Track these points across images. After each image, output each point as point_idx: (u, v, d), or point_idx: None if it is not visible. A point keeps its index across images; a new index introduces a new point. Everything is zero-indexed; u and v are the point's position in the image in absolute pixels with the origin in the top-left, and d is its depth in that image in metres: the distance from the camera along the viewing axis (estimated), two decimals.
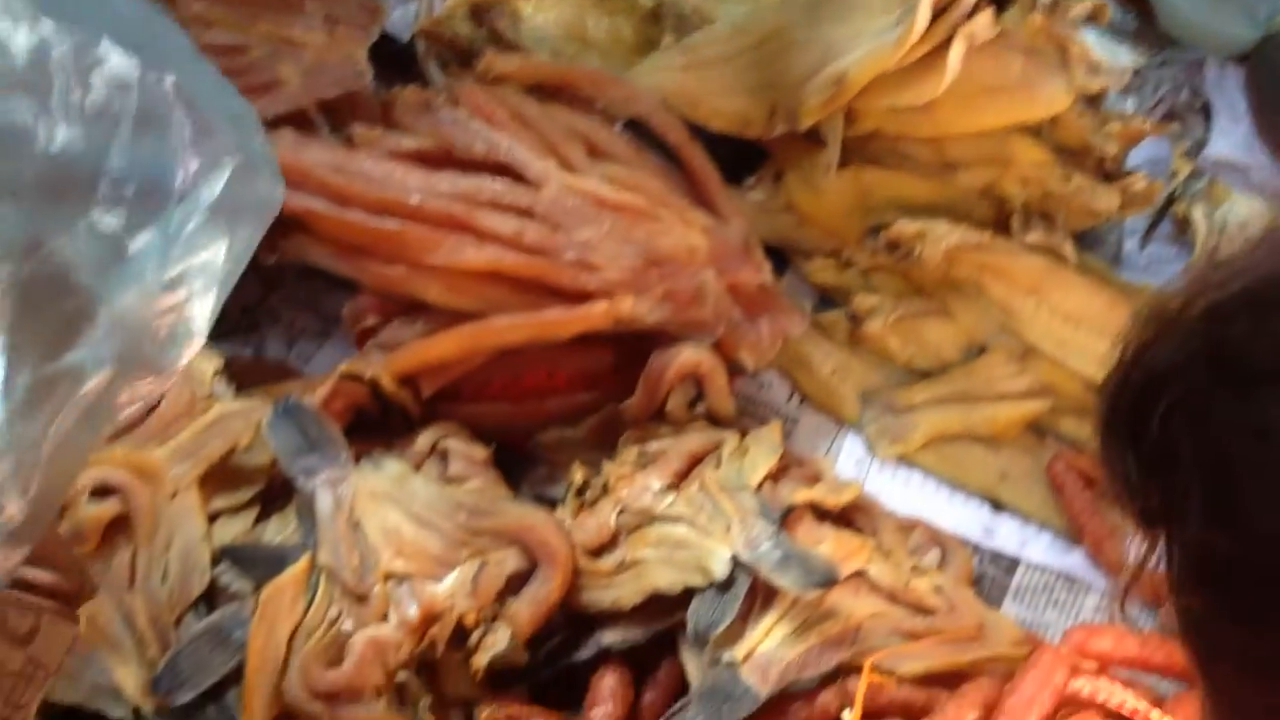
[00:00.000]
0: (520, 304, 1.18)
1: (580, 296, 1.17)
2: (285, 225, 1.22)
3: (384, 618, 1.05)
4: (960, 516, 1.21)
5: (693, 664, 1.00)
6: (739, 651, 0.97)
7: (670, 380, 1.17)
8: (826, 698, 0.94)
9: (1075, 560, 1.17)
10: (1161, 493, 0.55)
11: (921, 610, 1.02)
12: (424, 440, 1.18)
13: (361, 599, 1.05)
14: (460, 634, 1.04)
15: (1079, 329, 1.19)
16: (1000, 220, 1.28)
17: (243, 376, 1.25)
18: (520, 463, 1.22)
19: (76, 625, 0.75)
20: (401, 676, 1.04)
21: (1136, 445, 0.56)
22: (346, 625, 1.04)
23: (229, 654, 1.03)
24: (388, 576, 1.06)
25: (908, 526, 1.16)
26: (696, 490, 1.09)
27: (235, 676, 1.02)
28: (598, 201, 1.18)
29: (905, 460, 1.25)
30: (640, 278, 1.17)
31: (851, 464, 1.25)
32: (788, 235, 1.34)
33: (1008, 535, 1.19)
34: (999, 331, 1.24)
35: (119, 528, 1.09)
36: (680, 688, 1.02)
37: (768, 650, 0.97)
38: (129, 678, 1.03)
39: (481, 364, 1.20)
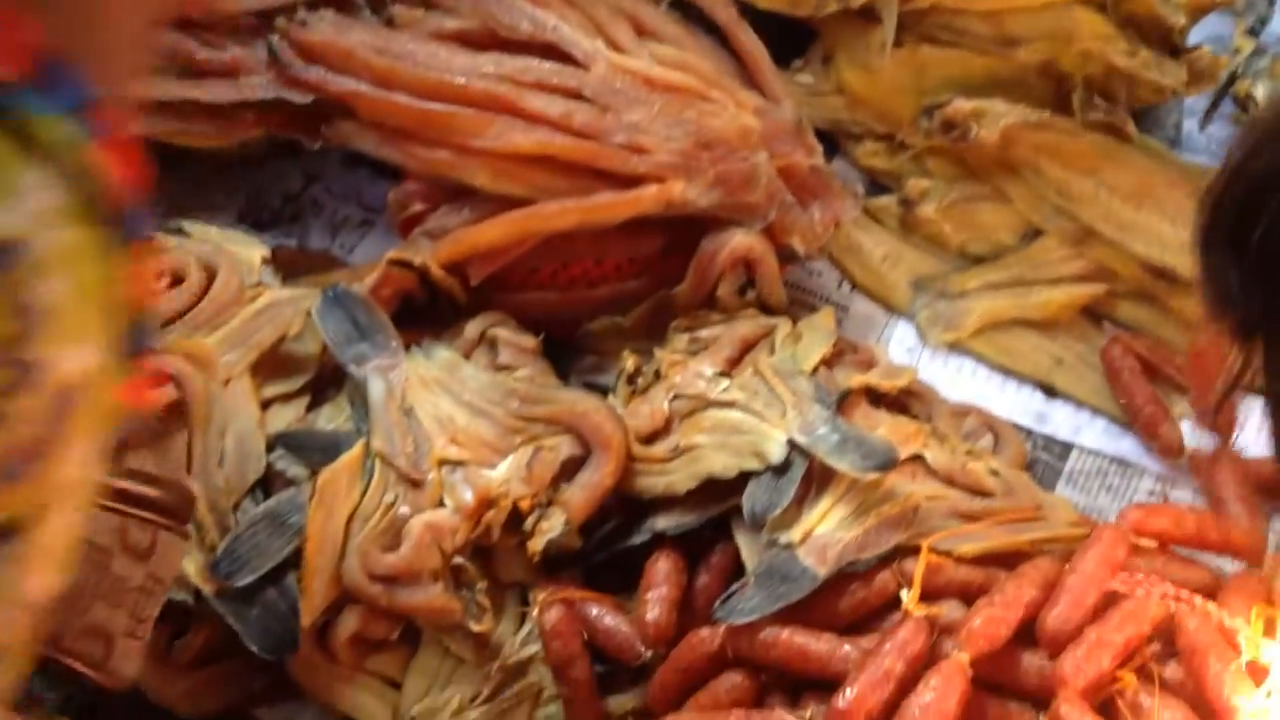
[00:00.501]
0: (569, 189, 1.15)
1: (630, 180, 1.15)
2: (328, 110, 1.21)
3: (440, 503, 1.05)
4: (1013, 403, 1.20)
5: (748, 547, 1.01)
6: (795, 534, 0.97)
7: (721, 266, 1.16)
8: (884, 578, 0.94)
9: (1128, 445, 1.16)
10: (1264, 300, 0.54)
11: (978, 492, 1.01)
12: (472, 328, 1.17)
13: (417, 484, 1.06)
14: (515, 519, 1.04)
15: (1139, 210, 1.17)
16: (1059, 98, 1.24)
17: (287, 267, 1.24)
18: (568, 352, 1.22)
19: (188, 538, 0.75)
20: (457, 561, 1.05)
21: (1239, 255, 0.56)
22: (403, 510, 1.05)
23: (286, 538, 1.04)
24: (442, 462, 1.06)
25: (961, 413, 1.15)
26: (750, 375, 1.08)
27: (293, 560, 1.03)
28: (647, 82, 1.15)
29: (957, 347, 1.23)
30: (691, 160, 1.14)
31: (903, 352, 1.24)
32: (837, 118, 1.31)
33: (1061, 421, 1.18)
34: (1055, 214, 1.21)
35: (174, 414, 1.09)
36: (734, 572, 1.02)
37: (825, 532, 0.97)
38: (189, 562, 1.04)
39: (529, 251, 1.18)
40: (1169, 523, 0.95)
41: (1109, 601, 0.88)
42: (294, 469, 1.09)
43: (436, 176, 1.19)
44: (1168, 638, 0.87)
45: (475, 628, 1.03)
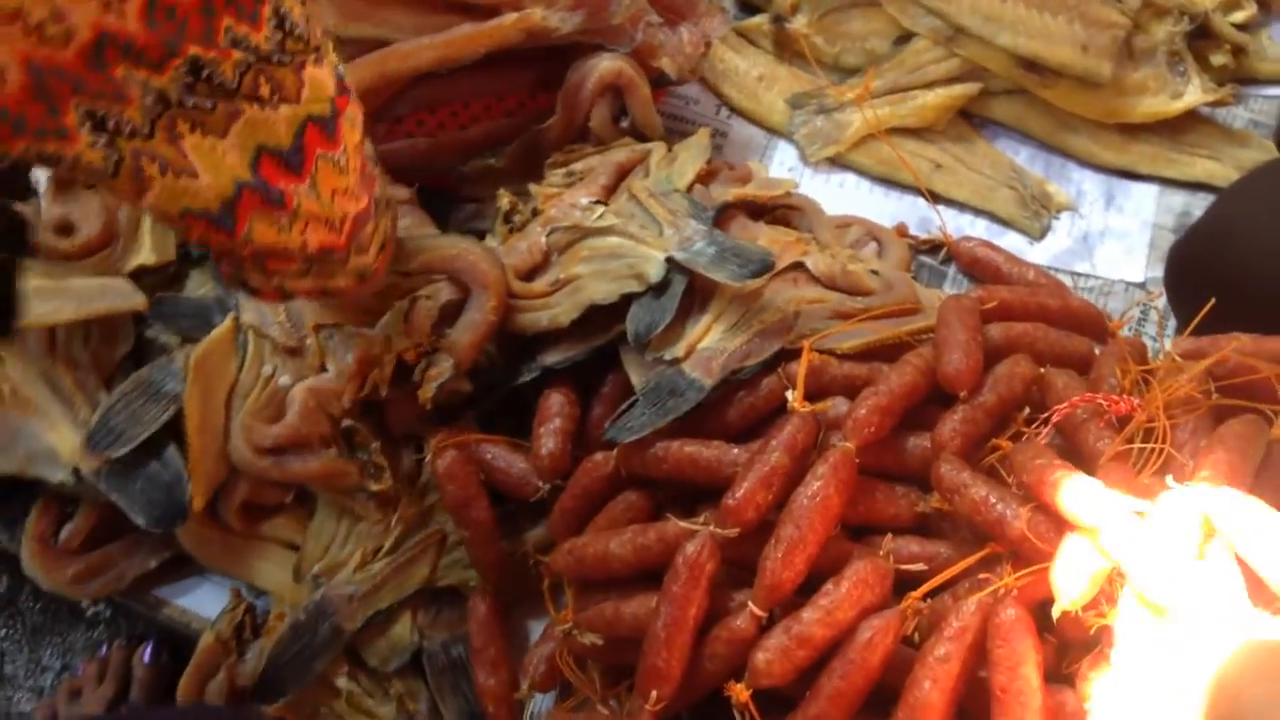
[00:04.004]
0: (425, 25, 1.11)
1: (487, 11, 1.10)
2: None
3: (322, 368, 1.03)
4: (896, 211, 1.19)
5: (635, 369, 0.99)
6: (680, 349, 0.96)
7: (590, 94, 1.12)
8: (770, 382, 0.93)
9: (1011, 241, 1.17)
10: None
11: (859, 292, 1.01)
12: None
13: (295, 352, 1.03)
14: (403, 372, 1.02)
15: (1006, 2, 1.15)
16: None
17: None
18: (446, 201, 1.18)
19: None
20: (347, 423, 1.02)
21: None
22: (283, 380, 1.02)
23: (161, 405, 1.00)
24: (318, 328, 1.03)
25: (844, 224, 1.14)
26: (626, 200, 1.06)
27: (172, 430, 1.00)
28: None
29: (838, 162, 1.22)
30: None
31: (784, 171, 1.23)
32: None
33: (944, 224, 1.17)
34: (924, 15, 1.19)
35: None
36: (627, 395, 1.01)
37: (710, 345, 0.96)
38: (62, 441, 1.01)
39: (392, 99, 1.13)
40: (1008, 293, 0.95)
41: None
42: (165, 337, 1.06)
43: None
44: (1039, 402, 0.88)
45: (374, 487, 1.01)
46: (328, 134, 0.71)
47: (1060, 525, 0.75)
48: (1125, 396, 0.82)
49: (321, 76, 0.69)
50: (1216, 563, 0.67)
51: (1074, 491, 0.72)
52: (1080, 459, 0.82)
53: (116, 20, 0.56)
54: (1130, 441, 0.79)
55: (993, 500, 0.79)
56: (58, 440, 1.01)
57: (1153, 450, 0.78)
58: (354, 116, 0.75)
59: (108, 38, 0.56)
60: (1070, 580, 0.71)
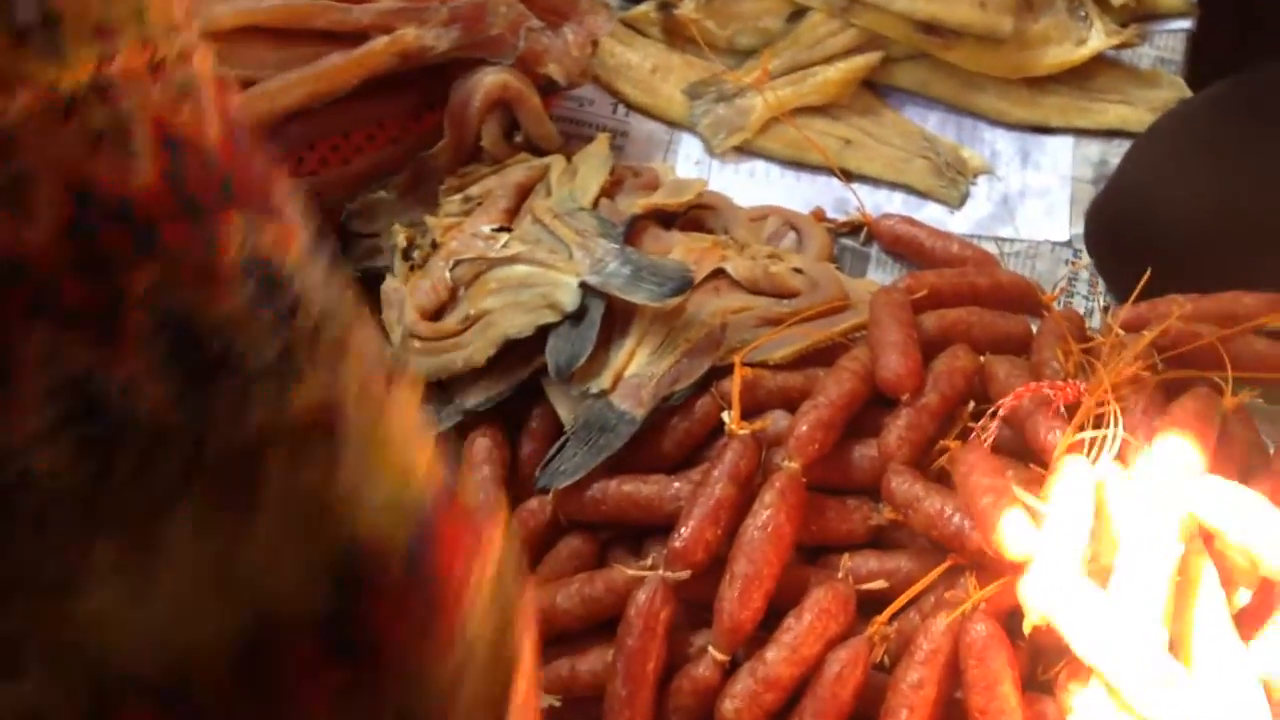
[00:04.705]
0: (290, 59, 1.03)
1: (355, 37, 1.03)
2: None
3: None
4: (810, 194, 1.15)
5: (561, 403, 0.94)
6: (606, 379, 0.91)
7: (477, 113, 1.06)
8: (704, 404, 0.89)
9: (931, 212, 1.13)
10: None
11: (785, 294, 0.96)
12: None
13: None
14: None
15: None
16: None
17: None
18: (339, 242, 1.11)
19: None
20: None
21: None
22: None
23: None
24: None
25: (759, 216, 1.09)
26: (530, 223, 1.00)
27: None
28: None
29: (746, 150, 1.17)
30: (417, 1, 1.03)
31: (691, 166, 1.17)
32: None
33: (862, 203, 1.13)
34: None
35: None
36: (557, 433, 0.96)
37: (636, 371, 0.91)
38: None
39: (266, 138, 1.06)
40: (935, 278, 0.92)
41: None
42: None
43: None
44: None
45: None
46: None
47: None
48: (1070, 382, 0.79)
49: None
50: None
51: (1014, 533, 0.69)
52: (1032, 453, 0.79)
53: None
54: (1081, 429, 0.76)
55: (948, 513, 0.75)
56: None
57: (1105, 437, 0.74)
58: None
59: None
60: (1040, 597, 0.68)
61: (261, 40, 1.03)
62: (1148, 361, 0.79)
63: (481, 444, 0.95)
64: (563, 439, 0.91)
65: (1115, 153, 1.12)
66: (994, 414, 0.79)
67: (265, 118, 1.04)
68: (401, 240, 1.04)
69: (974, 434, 0.80)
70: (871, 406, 0.86)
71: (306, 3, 1.02)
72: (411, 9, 1.03)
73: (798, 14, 1.17)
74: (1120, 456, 0.74)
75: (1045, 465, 0.77)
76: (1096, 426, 0.76)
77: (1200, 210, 0.97)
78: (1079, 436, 0.75)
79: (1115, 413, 0.75)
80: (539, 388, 0.98)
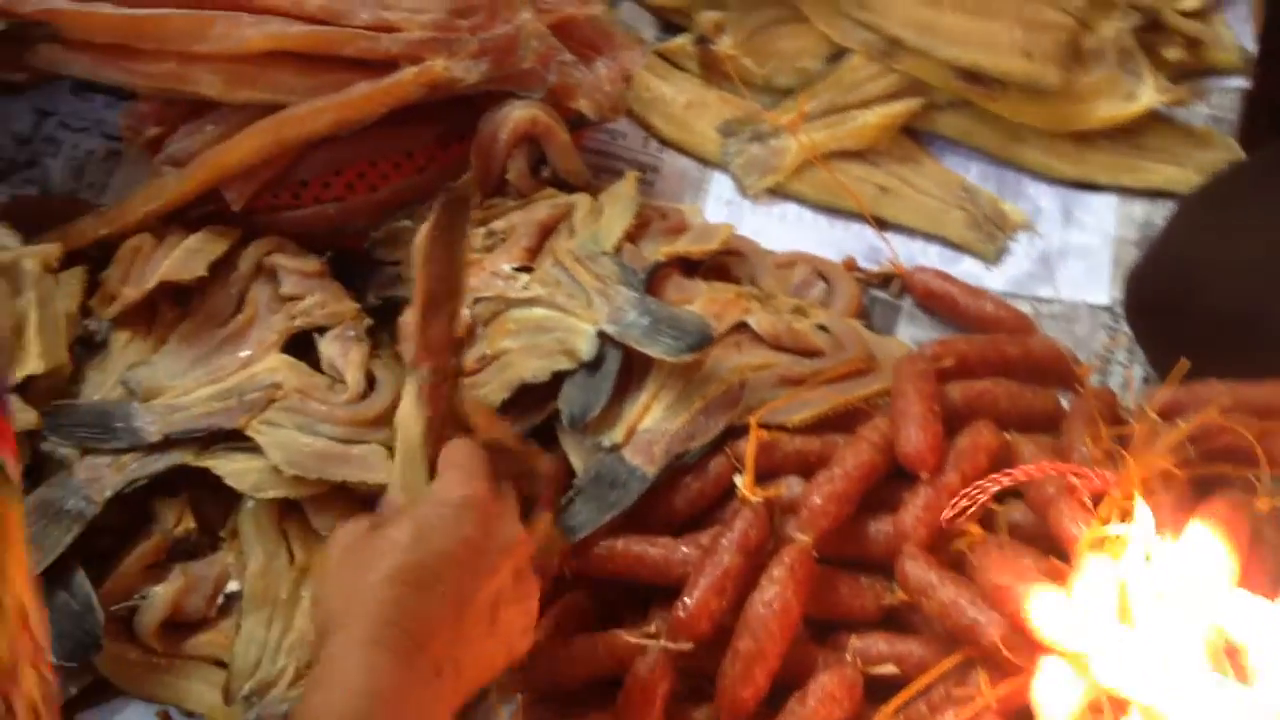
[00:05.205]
0: (318, 85, 1.02)
1: (384, 66, 1.02)
2: (28, 34, 1.04)
3: None
4: (843, 242, 1.12)
5: (575, 453, 0.92)
6: (619, 433, 0.89)
7: (504, 148, 1.04)
8: (719, 464, 0.86)
9: (967, 267, 1.10)
10: None
11: (808, 352, 0.94)
12: (247, 260, 1.04)
13: None
14: None
15: (939, 9, 1.07)
16: None
17: (29, 219, 1.10)
18: (362, 269, 1.10)
19: None
20: None
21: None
22: None
23: (64, 526, 0.93)
24: None
25: (787, 263, 1.07)
26: (551, 265, 0.98)
27: (77, 552, 0.92)
28: None
29: (778, 192, 1.14)
30: (449, 32, 1.01)
31: (721, 206, 1.15)
32: None
33: (895, 253, 1.10)
34: (856, 28, 1.11)
35: None
36: (569, 478, 0.94)
37: (650, 426, 0.89)
38: None
39: (293, 163, 1.05)
40: (966, 345, 0.89)
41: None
42: (63, 450, 0.97)
43: (167, 92, 1.04)
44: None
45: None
46: None
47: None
48: (1098, 471, 0.76)
49: None
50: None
51: (1050, 615, 0.66)
52: (1053, 540, 0.76)
53: None
54: (1106, 523, 0.73)
55: (963, 604, 0.72)
56: None
57: (1130, 533, 0.71)
58: None
59: None
60: (1054, 702, 0.65)
61: (290, 65, 1.02)
62: (1181, 453, 0.76)
63: None
64: (572, 491, 0.89)
65: (1162, 213, 1.09)
66: (1016, 493, 0.76)
67: (292, 143, 1.03)
68: None
69: (996, 521, 0.77)
70: (890, 478, 0.83)
71: (336, 30, 1.00)
72: (441, 40, 1.01)
73: (838, 55, 1.14)
74: (1146, 554, 0.71)
75: (1066, 557, 0.74)
76: (1122, 520, 0.73)
77: (1247, 281, 0.93)
78: (1104, 531, 0.72)
79: (1143, 508, 0.71)
80: (552, 431, 0.96)
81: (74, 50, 1.04)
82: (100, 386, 1.01)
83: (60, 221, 1.10)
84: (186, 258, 1.02)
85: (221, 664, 0.98)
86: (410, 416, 0.79)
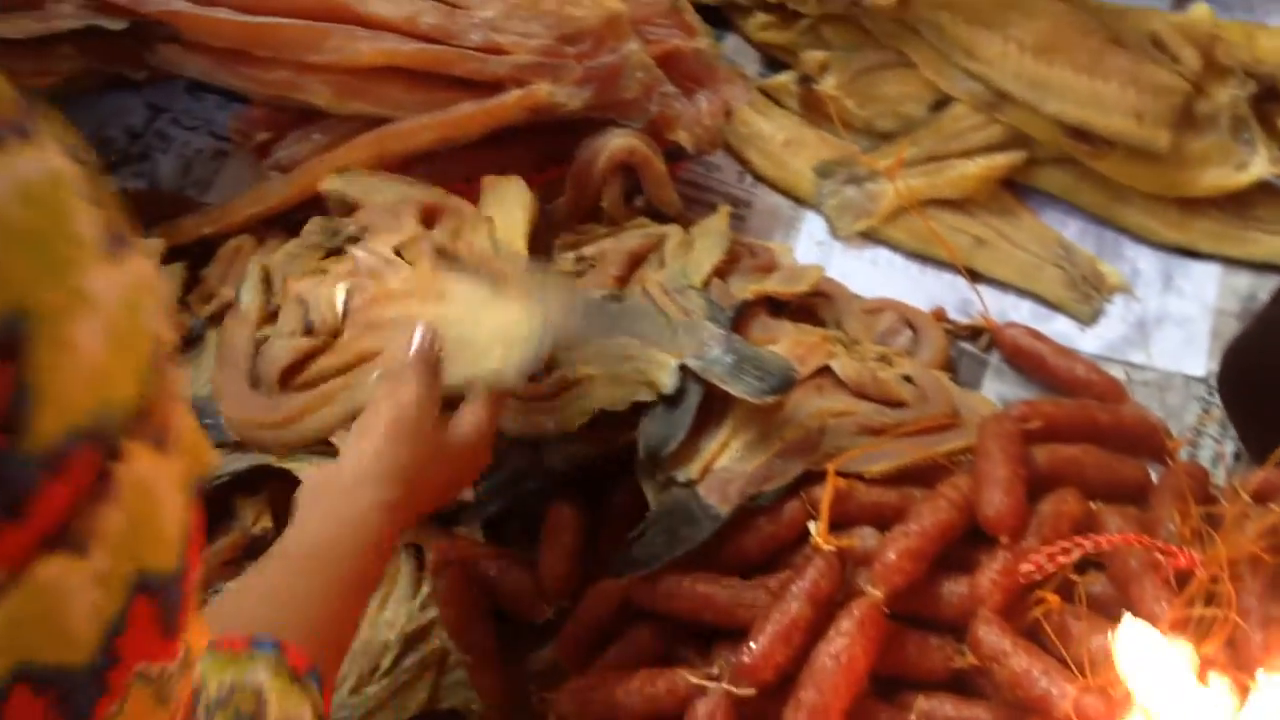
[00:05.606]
0: (424, 101, 1.04)
1: (490, 87, 1.03)
2: (150, 34, 1.08)
3: None
4: (934, 291, 1.11)
5: (650, 486, 0.92)
6: (694, 469, 0.89)
7: (600, 175, 1.05)
8: (793, 509, 0.86)
9: (1060, 326, 1.08)
10: None
11: (891, 402, 0.93)
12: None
13: None
14: None
15: (1051, 65, 1.05)
16: None
17: (136, 211, 1.13)
18: None
19: None
20: None
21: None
22: None
23: None
24: None
25: (875, 309, 1.06)
26: (639, 295, 0.98)
27: None
28: None
29: (871, 236, 1.13)
30: (555, 58, 1.02)
31: (813, 246, 1.14)
32: None
33: (986, 307, 1.09)
34: (963, 78, 1.10)
35: None
36: (641, 509, 0.94)
37: (726, 464, 0.89)
38: None
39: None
40: (1054, 408, 0.87)
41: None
42: None
43: (278, 99, 1.07)
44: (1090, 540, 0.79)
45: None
46: None
47: (1112, 708, 0.67)
48: (1185, 550, 0.74)
49: None
50: None
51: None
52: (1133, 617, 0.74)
53: None
54: (1191, 604, 0.71)
55: (1036, 674, 0.71)
56: None
57: (1216, 618, 0.69)
58: None
59: None
60: None
61: (400, 80, 1.04)
62: (1271, 540, 0.74)
63: (564, 513, 0.94)
64: (644, 524, 0.89)
65: (1266, 287, 1.06)
66: (1099, 564, 0.74)
67: (395, 156, 1.05)
68: None
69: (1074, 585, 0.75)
70: (967, 536, 0.82)
71: (447, 49, 1.02)
72: (548, 65, 1.02)
73: (942, 103, 1.13)
74: (1229, 641, 0.69)
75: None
76: (1207, 603, 0.70)
77: None
78: (1187, 613, 0.70)
79: (1230, 594, 0.69)
80: (627, 460, 0.96)
81: (192, 52, 1.07)
82: (193, 383, 1.04)
83: (166, 217, 1.13)
84: (286, 261, 1.04)
85: None
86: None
